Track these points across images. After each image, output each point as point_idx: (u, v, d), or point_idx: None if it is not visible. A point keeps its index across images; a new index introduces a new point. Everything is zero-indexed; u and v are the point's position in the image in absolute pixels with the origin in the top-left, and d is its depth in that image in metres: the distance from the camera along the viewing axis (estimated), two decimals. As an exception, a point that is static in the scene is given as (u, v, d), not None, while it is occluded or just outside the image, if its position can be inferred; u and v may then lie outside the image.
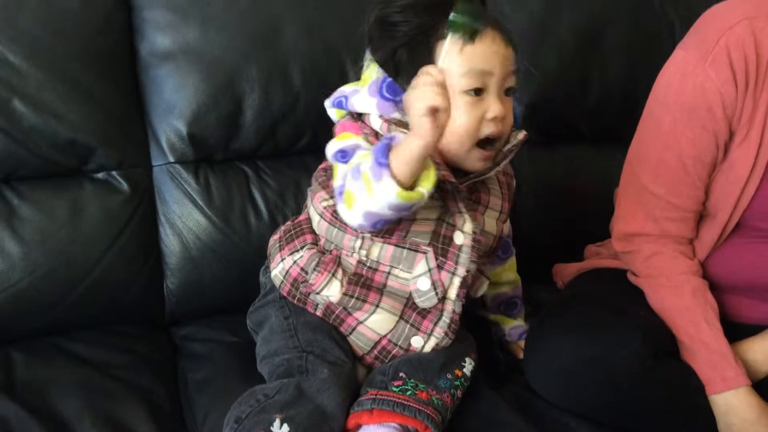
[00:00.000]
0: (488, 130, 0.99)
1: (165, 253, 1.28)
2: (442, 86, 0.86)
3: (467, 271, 1.02)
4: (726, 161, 1.12)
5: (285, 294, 1.07)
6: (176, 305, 1.30)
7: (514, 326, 1.25)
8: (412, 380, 0.99)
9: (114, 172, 1.25)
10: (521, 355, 1.20)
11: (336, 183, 0.97)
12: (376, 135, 1.01)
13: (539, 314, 1.21)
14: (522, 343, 1.22)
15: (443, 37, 0.95)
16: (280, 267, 1.07)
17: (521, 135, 1.06)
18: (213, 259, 1.28)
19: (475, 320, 1.21)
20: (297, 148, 1.35)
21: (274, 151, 1.34)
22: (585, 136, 1.57)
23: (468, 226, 1.01)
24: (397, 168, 0.87)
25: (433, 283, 1.01)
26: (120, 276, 1.24)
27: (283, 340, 1.03)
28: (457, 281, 1.02)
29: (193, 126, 1.27)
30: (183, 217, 1.28)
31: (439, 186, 0.95)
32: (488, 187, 1.09)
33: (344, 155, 0.98)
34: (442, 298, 1.02)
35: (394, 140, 0.89)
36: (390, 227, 0.99)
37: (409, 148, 0.87)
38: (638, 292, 1.18)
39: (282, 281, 1.07)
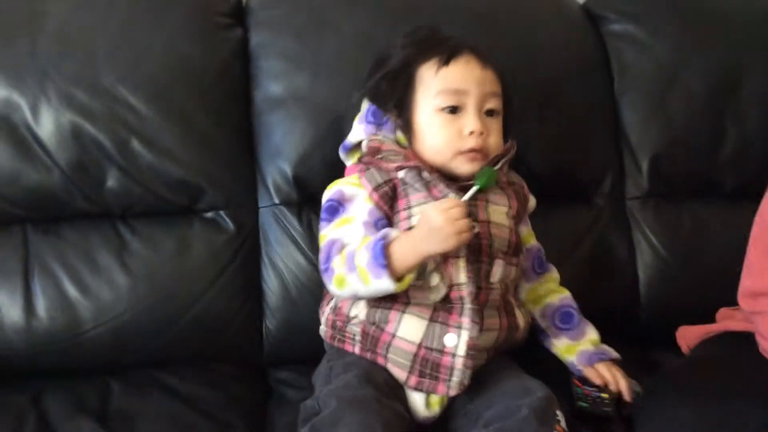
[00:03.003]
0: (467, 144, 1.06)
1: (266, 293, 1.28)
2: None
3: (471, 251, 1.03)
4: None
5: (329, 340, 1.12)
6: (274, 346, 1.29)
7: (581, 351, 1.15)
8: None
9: (221, 212, 1.28)
10: (599, 380, 1.11)
11: (321, 255, 1.05)
12: (365, 166, 1.09)
13: (655, 376, 1.09)
14: (599, 368, 1.13)
15: (422, 63, 1.07)
16: (323, 320, 1.13)
17: (512, 149, 1.11)
18: (312, 301, 1.26)
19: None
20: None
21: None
22: (719, 191, 1.44)
23: (466, 197, 1.02)
24: (398, 268, 0.97)
25: (441, 275, 1.03)
26: (220, 313, 1.25)
27: (321, 386, 1.05)
28: (462, 263, 1.03)
29: (298, 168, 1.29)
30: (285, 258, 1.28)
31: (422, 178, 1.04)
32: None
33: (330, 211, 1.07)
34: (451, 286, 1.03)
35: (387, 238, 0.97)
36: None
37: (422, 250, 0.97)
38: (774, 358, 1.04)
39: (325, 330, 1.13)
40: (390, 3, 1.37)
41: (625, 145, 1.42)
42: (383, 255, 0.96)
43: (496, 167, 1.08)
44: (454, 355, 1.02)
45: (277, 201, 1.30)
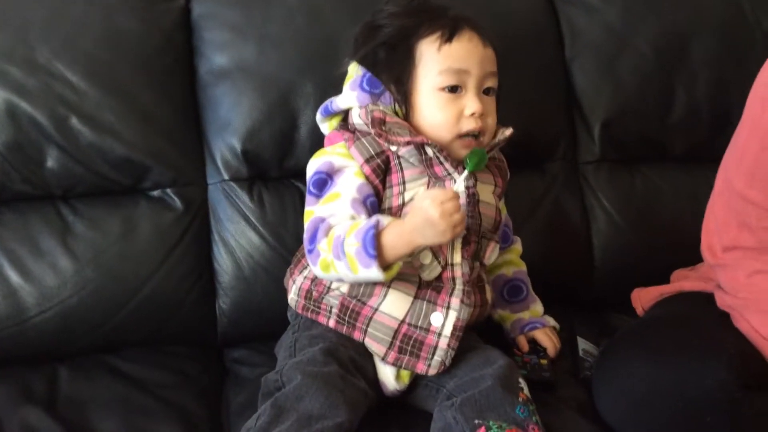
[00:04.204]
0: (467, 126, 1.03)
1: (218, 272, 1.26)
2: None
3: (467, 229, 1.01)
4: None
5: (300, 310, 1.08)
6: (228, 326, 1.26)
7: (516, 319, 1.18)
8: (492, 423, 0.93)
9: (168, 190, 1.25)
10: (525, 347, 1.14)
11: (306, 233, 1.01)
12: (354, 135, 1.04)
13: (612, 337, 1.09)
14: (536, 334, 1.16)
15: (422, 37, 1.02)
16: (294, 288, 1.09)
17: (508, 131, 1.08)
18: (266, 278, 1.24)
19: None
20: (353, 165, 1.31)
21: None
22: (669, 154, 1.45)
23: (459, 185, 1.00)
24: (389, 258, 0.94)
25: (434, 253, 1.01)
26: (171, 294, 1.22)
27: (285, 358, 1.03)
28: (458, 243, 1.02)
29: (247, 143, 1.26)
30: (236, 235, 1.25)
31: (424, 154, 1.01)
32: None
33: (319, 185, 1.03)
34: (446, 266, 1.01)
35: (379, 226, 0.94)
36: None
37: (415, 241, 0.94)
38: (728, 315, 1.05)
39: (296, 300, 1.09)
40: (338, -28, 1.34)
41: (576, 111, 1.41)
42: (374, 245, 0.93)
43: (492, 151, 1.06)
44: (439, 335, 1.01)
45: (226, 177, 1.27)
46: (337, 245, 0.96)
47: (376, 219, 0.96)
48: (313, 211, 1.03)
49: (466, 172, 1.01)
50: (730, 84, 1.43)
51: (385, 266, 0.95)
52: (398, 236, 0.94)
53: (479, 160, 1.01)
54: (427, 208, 0.92)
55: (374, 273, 0.94)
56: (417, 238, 0.94)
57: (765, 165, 1.03)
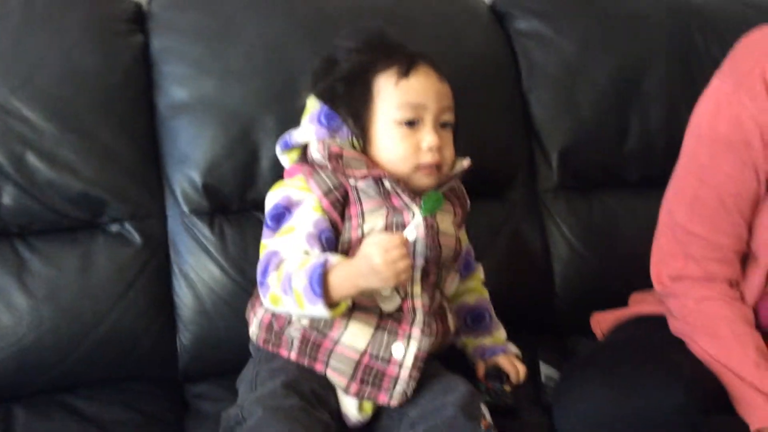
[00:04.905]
0: (425, 159, 1.03)
1: (178, 306, 1.24)
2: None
3: (426, 261, 1.02)
4: (769, 196, 1.02)
5: (261, 344, 1.07)
6: (190, 361, 1.25)
7: (478, 345, 1.18)
8: None
9: (127, 224, 1.24)
10: (480, 373, 1.13)
11: (259, 266, 1.00)
12: (313, 169, 1.05)
13: (571, 361, 1.10)
14: (499, 360, 1.15)
15: (380, 72, 1.04)
16: (255, 321, 1.09)
17: (466, 162, 1.10)
18: (228, 312, 1.23)
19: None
20: (314, 197, 1.31)
21: (291, 201, 1.30)
22: (625, 182, 1.48)
23: (410, 231, 0.99)
24: (335, 297, 0.94)
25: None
26: (130, 330, 1.20)
27: (246, 392, 1.02)
28: (418, 274, 1.03)
29: (207, 176, 1.26)
30: (197, 269, 1.25)
31: (382, 186, 1.02)
32: None
33: (276, 218, 1.03)
34: (406, 296, 1.02)
35: (327, 265, 0.94)
36: None
37: (360, 284, 0.94)
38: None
39: (257, 333, 1.08)
40: (299, 9, 1.35)
41: (535, 140, 1.44)
42: (320, 283, 0.93)
43: (442, 189, 1.06)
44: (400, 366, 1.00)
45: (186, 210, 1.26)
46: (286, 280, 0.96)
47: (325, 257, 0.96)
48: (266, 244, 1.03)
49: (419, 217, 1.01)
50: (683, 112, 1.42)
51: (332, 304, 0.94)
52: (345, 277, 0.94)
53: (433, 205, 1.01)
54: (372, 256, 0.92)
55: (320, 310, 0.94)
56: (362, 281, 0.94)
57: (704, 199, 1.06)
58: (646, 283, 1.25)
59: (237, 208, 1.28)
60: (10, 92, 1.20)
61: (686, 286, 1.08)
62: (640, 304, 1.24)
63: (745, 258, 1.08)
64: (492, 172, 1.37)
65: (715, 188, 1.04)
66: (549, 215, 1.42)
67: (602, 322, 1.28)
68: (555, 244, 1.40)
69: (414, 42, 1.11)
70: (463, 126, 1.11)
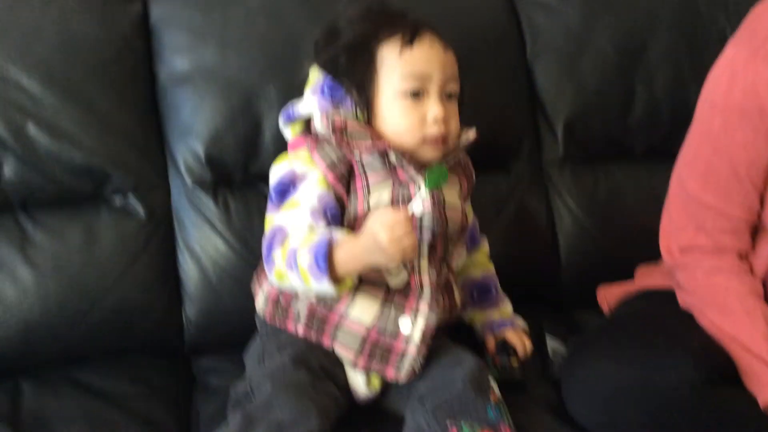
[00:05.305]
0: (431, 131, 1.02)
1: (183, 280, 1.24)
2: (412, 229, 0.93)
3: (433, 235, 1.01)
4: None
5: (268, 319, 1.07)
6: (196, 334, 1.24)
7: (486, 320, 1.18)
8: (464, 424, 0.94)
9: (130, 197, 1.22)
10: (491, 347, 1.14)
11: (264, 241, 1.00)
12: (317, 141, 1.03)
13: (579, 336, 1.11)
14: (506, 333, 1.16)
15: (383, 41, 1.02)
16: (261, 295, 1.08)
17: (472, 133, 1.08)
18: (233, 285, 1.23)
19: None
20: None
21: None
22: (631, 153, 1.47)
23: (416, 205, 0.98)
24: (341, 273, 0.93)
25: None
26: (135, 303, 1.20)
27: (251, 368, 1.02)
28: (425, 249, 1.01)
29: (210, 147, 1.24)
30: (202, 242, 1.24)
31: (387, 159, 1.00)
32: None
33: (280, 192, 1.02)
34: (413, 271, 1.01)
35: (332, 242, 0.93)
36: None
37: (366, 261, 0.93)
38: (691, 313, 1.07)
39: (264, 306, 1.07)
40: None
41: (539, 111, 1.42)
42: (325, 260, 0.92)
43: (448, 161, 1.04)
44: (408, 341, 1.00)
45: (189, 182, 1.25)
46: (291, 256, 0.95)
47: (330, 234, 0.94)
48: (272, 218, 1.02)
49: (424, 190, 0.99)
50: (688, 81, 1.44)
51: (337, 280, 0.94)
52: (350, 254, 0.93)
53: (438, 178, 0.99)
54: (377, 232, 0.90)
55: (325, 287, 0.93)
56: (367, 257, 0.93)
57: (717, 169, 1.05)
58: (652, 256, 1.25)
59: (240, 179, 1.27)
60: (7, 61, 1.17)
61: (696, 258, 1.08)
62: (647, 278, 1.24)
63: (755, 230, 1.08)
64: (496, 143, 1.36)
65: (728, 157, 1.04)
66: (554, 187, 1.41)
67: (609, 295, 1.28)
68: (560, 216, 1.40)
69: (416, 9, 1.09)
70: (467, 96, 1.10)
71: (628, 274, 1.30)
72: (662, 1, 1.47)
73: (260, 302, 1.09)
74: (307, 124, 1.09)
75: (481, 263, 1.21)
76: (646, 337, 1.03)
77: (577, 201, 1.41)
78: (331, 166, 1.02)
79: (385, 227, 0.90)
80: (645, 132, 1.46)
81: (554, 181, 1.41)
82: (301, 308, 1.03)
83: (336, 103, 1.04)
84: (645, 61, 1.44)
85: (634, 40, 1.44)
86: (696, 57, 1.45)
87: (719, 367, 1.00)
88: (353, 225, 1.02)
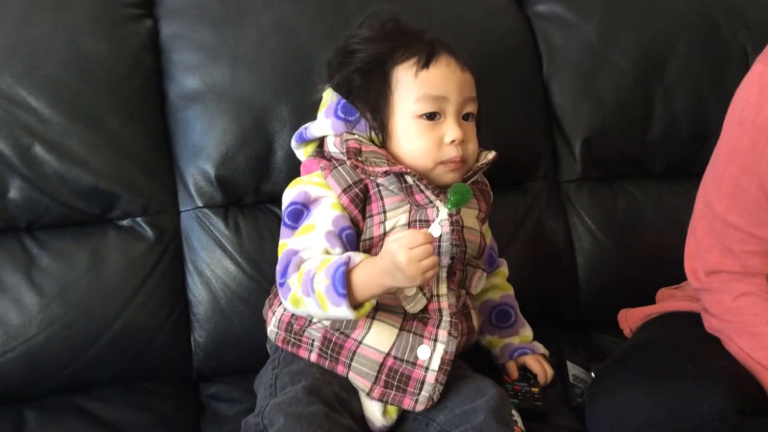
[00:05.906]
0: (448, 154, 0.99)
1: (192, 304, 1.21)
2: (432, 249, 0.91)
3: (451, 259, 0.98)
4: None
5: (280, 344, 1.04)
6: (205, 360, 1.21)
7: (505, 344, 1.15)
8: None
9: (139, 219, 1.20)
10: (514, 374, 1.11)
11: (279, 266, 0.98)
12: (331, 164, 1.01)
13: (603, 363, 1.07)
14: (526, 360, 1.13)
15: (398, 63, 0.99)
16: (273, 320, 1.05)
17: (491, 155, 1.05)
18: (244, 309, 1.20)
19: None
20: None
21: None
22: (650, 171, 1.44)
23: (435, 228, 0.96)
24: (359, 297, 0.91)
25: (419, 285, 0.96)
26: (143, 329, 1.17)
27: (263, 398, 0.99)
28: (443, 273, 0.99)
29: (221, 168, 1.21)
30: (211, 265, 1.21)
31: (404, 182, 0.98)
32: None
33: (294, 216, 1.00)
34: (431, 297, 0.98)
35: (350, 263, 0.91)
36: None
37: (384, 283, 0.90)
38: (718, 338, 1.03)
39: (276, 332, 1.05)
40: (308, -11, 1.30)
41: (557, 129, 1.40)
42: (343, 284, 0.90)
43: (475, 176, 1.03)
44: (426, 369, 0.97)
45: (200, 204, 1.22)
46: (307, 281, 0.93)
47: (348, 256, 0.92)
48: (286, 243, 0.99)
49: (444, 213, 0.97)
50: (708, 98, 1.42)
51: (356, 305, 0.91)
52: (368, 276, 0.91)
53: (461, 198, 0.96)
54: (395, 253, 0.89)
55: (344, 312, 0.91)
56: (387, 280, 0.91)
57: (745, 188, 1.02)
58: (672, 276, 1.22)
59: (252, 201, 1.24)
60: (16, 81, 1.16)
61: (723, 281, 1.04)
62: (669, 300, 1.20)
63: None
64: (513, 161, 1.33)
65: (757, 176, 1.01)
66: (572, 206, 1.38)
67: (630, 318, 1.24)
68: (578, 236, 1.37)
69: (430, 27, 1.07)
70: (484, 113, 1.08)
71: (648, 294, 1.27)
72: (681, 17, 1.44)
73: (272, 327, 1.06)
74: (320, 144, 1.06)
75: (500, 286, 1.18)
76: (674, 364, 0.99)
77: (595, 220, 1.38)
78: (346, 189, 0.99)
79: (405, 248, 0.88)
80: (664, 150, 1.43)
81: (572, 200, 1.38)
82: (315, 334, 1.01)
83: (350, 125, 1.01)
84: (663, 78, 1.42)
85: (653, 57, 1.42)
86: (715, 73, 1.43)
87: (750, 396, 0.96)
88: (369, 249, 0.99)
